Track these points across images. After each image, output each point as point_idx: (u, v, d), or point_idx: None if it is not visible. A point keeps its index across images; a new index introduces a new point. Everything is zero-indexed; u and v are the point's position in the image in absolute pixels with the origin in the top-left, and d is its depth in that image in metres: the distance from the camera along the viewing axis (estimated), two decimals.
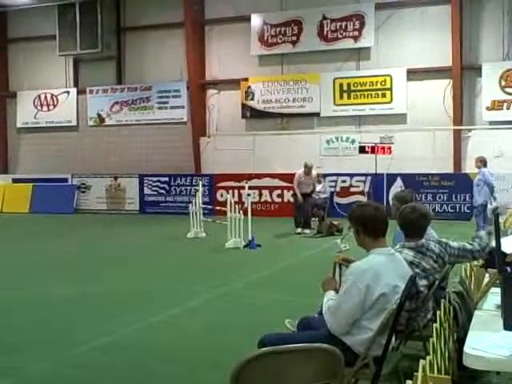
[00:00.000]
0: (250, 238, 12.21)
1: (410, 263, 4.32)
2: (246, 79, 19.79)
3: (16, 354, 5.69)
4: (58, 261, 11.19)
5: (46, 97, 22.77)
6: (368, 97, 18.48)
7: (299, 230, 14.52)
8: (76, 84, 22.51)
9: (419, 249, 4.49)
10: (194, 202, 14.24)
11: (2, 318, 7.01)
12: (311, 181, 15.07)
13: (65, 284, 8.86)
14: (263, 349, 3.05)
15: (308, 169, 14.89)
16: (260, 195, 18.53)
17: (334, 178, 17.93)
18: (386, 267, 3.72)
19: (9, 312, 7.29)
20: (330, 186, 17.76)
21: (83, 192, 21.20)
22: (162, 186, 20.08)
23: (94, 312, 7.24)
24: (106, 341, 6.03)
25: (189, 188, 19.45)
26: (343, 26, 18.62)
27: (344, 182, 17.90)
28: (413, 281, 3.65)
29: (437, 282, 4.44)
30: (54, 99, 22.63)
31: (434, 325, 3.69)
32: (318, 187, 17.56)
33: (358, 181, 17.72)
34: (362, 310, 3.62)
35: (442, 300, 4.21)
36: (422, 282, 4.36)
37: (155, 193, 20.20)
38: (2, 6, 21.77)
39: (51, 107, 22.73)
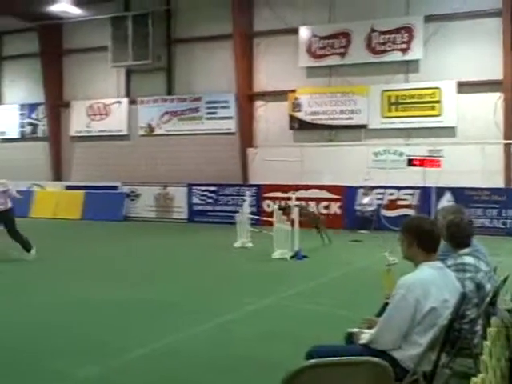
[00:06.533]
0: (296, 248, 12.26)
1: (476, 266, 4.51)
2: (294, 91, 19.87)
3: (63, 357, 5.82)
4: (110, 267, 11.47)
5: (98, 106, 23.36)
6: (416, 109, 18.32)
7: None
8: (127, 94, 23.03)
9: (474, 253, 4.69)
10: (241, 211, 14.38)
11: (50, 320, 7.20)
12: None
13: (115, 290, 9.06)
14: (312, 360, 3.07)
15: None
16: (307, 207, 18.47)
17: (382, 190, 17.81)
18: (436, 281, 3.71)
19: (57, 315, 7.47)
20: (377, 199, 17.67)
21: (133, 200, 21.57)
22: (210, 195, 20.27)
23: (142, 319, 7.37)
24: (154, 348, 6.12)
25: (236, 198, 19.59)
26: (392, 39, 18.54)
27: (391, 194, 17.74)
28: (463, 297, 3.64)
29: (487, 300, 4.41)
30: (106, 109, 23.20)
31: (486, 342, 3.66)
32: (365, 199, 17.51)
33: (405, 194, 17.53)
34: (412, 323, 3.61)
35: (494, 317, 4.18)
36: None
37: (203, 202, 20.38)
38: (58, 19, 22.46)
39: (103, 116, 23.30)
